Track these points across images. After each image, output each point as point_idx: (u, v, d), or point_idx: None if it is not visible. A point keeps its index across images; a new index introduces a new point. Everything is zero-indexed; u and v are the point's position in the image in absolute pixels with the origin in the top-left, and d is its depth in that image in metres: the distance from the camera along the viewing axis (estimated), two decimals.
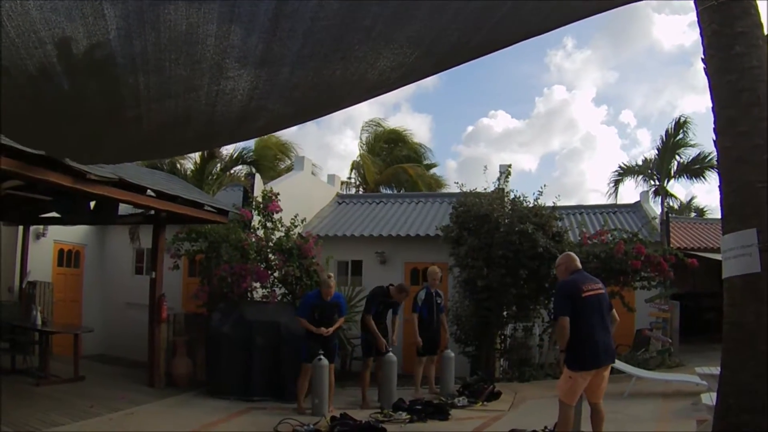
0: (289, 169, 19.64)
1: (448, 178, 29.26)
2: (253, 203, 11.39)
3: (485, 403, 8.80)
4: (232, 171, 18.22)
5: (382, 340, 8.92)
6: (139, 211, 10.16)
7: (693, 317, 15.56)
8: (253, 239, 10.62)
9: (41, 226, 11.62)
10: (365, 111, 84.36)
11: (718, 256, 5.43)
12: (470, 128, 61.29)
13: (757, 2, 4.10)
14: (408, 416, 7.86)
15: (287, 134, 27.52)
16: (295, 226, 11.25)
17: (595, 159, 60.98)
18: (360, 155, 24.36)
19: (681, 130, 21.46)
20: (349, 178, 24.37)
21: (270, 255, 10.69)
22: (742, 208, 3.97)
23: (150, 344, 9.79)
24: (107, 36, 2.63)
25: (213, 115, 3.47)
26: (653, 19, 61.71)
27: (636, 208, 16.67)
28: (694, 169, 21.89)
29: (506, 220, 11.26)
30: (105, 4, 2.47)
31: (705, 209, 30.59)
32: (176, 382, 9.88)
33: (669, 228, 13.90)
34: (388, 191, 22.93)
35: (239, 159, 18.05)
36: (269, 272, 10.58)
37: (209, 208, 10.02)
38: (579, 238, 12.14)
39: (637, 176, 22.95)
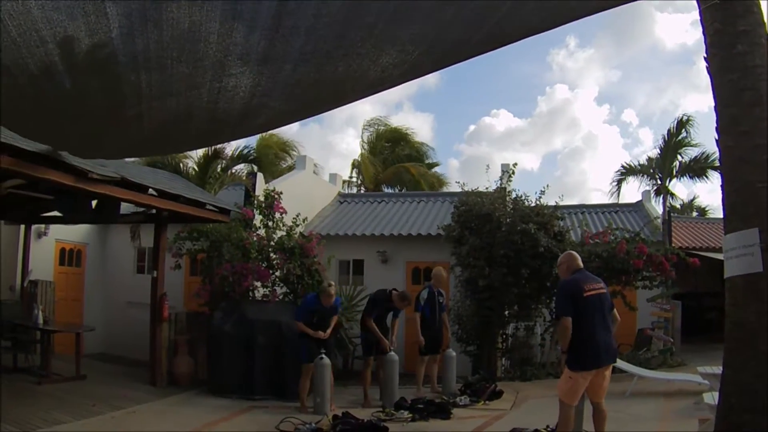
0: (290, 168, 19.61)
1: (450, 178, 29.11)
2: (255, 202, 11.40)
3: (487, 402, 8.79)
4: (233, 170, 18.20)
5: (385, 341, 8.94)
6: (141, 210, 10.17)
7: (695, 317, 15.53)
8: (255, 238, 10.63)
9: (43, 225, 11.62)
10: (367, 110, 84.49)
11: (719, 256, 5.41)
12: (472, 127, 61.35)
13: (760, 1, 4.10)
14: (410, 415, 7.85)
15: (289, 133, 27.58)
16: (297, 226, 11.26)
17: (597, 158, 60.96)
18: (360, 155, 24.36)
19: (683, 129, 21.43)
20: (351, 177, 24.38)
21: (272, 254, 10.70)
22: (743, 207, 3.96)
23: (151, 343, 9.79)
24: (109, 34, 2.63)
25: (215, 112, 3.47)
26: (656, 17, 61.69)
27: (638, 207, 16.66)
28: (696, 169, 21.85)
29: (508, 220, 11.25)
30: (107, 2, 2.47)
31: (707, 209, 30.55)
32: (178, 381, 9.88)
33: (671, 227, 13.88)
34: (390, 190, 22.94)
35: (240, 158, 18.03)
36: (270, 271, 10.59)
37: (211, 208, 10.02)
38: (581, 238, 12.13)
39: (642, 176, 22.90)
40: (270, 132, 21.58)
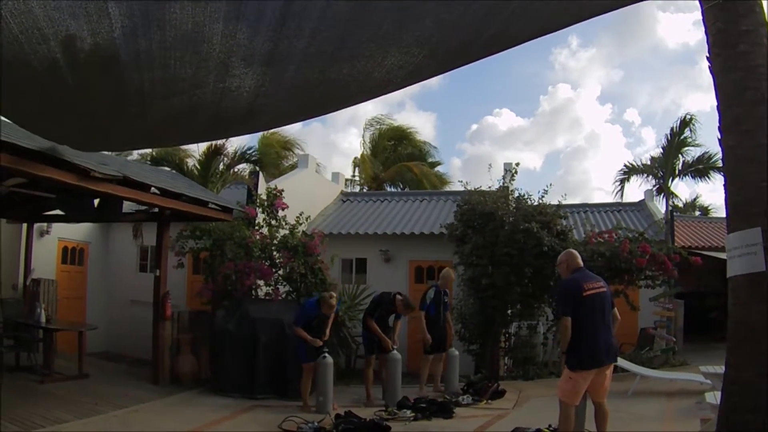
0: (293, 166, 19.61)
1: (453, 176, 29.21)
2: (257, 201, 11.40)
3: (489, 401, 8.80)
4: (236, 169, 18.18)
5: (388, 341, 8.95)
6: (144, 208, 10.17)
7: (697, 316, 15.51)
8: (258, 237, 10.63)
9: (45, 224, 11.64)
10: (370, 109, 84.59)
11: (722, 255, 5.40)
12: (475, 126, 61.25)
13: (762, 1, 4.09)
14: (412, 414, 7.85)
15: (291, 132, 27.51)
16: (300, 224, 11.26)
17: (599, 157, 60.94)
18: (361, 155, 24.36)
19: (686, 129, 21.35)
20: (353, 175, 24.39)
21: (275, 252, 10.70)
22: (746, 206, 3.96)
23: (154, 342, 9.80)
24: (112, 34, 2.63)
25: (218, 111, 3.48)
26: (658, 17, 61.68)
27: (641, 206, 16.66)
28: (699, 168, 21.80)
29: (511, 219, 11.23)
30: (110, 3, 2.47)
31: (710, 208, 30.51)
32: (180, 380, 9.90)
33: (674, 226, 13.86)
34: (393, 189, 22.93)
35: (243, 157, 18.02)
36: (273, 270, 10.59)
37: (213, 206, 10.02)
38: (584, 237, 12.12)
39: (645, 175, 22.83)
40: (272, 130, 21.62)
